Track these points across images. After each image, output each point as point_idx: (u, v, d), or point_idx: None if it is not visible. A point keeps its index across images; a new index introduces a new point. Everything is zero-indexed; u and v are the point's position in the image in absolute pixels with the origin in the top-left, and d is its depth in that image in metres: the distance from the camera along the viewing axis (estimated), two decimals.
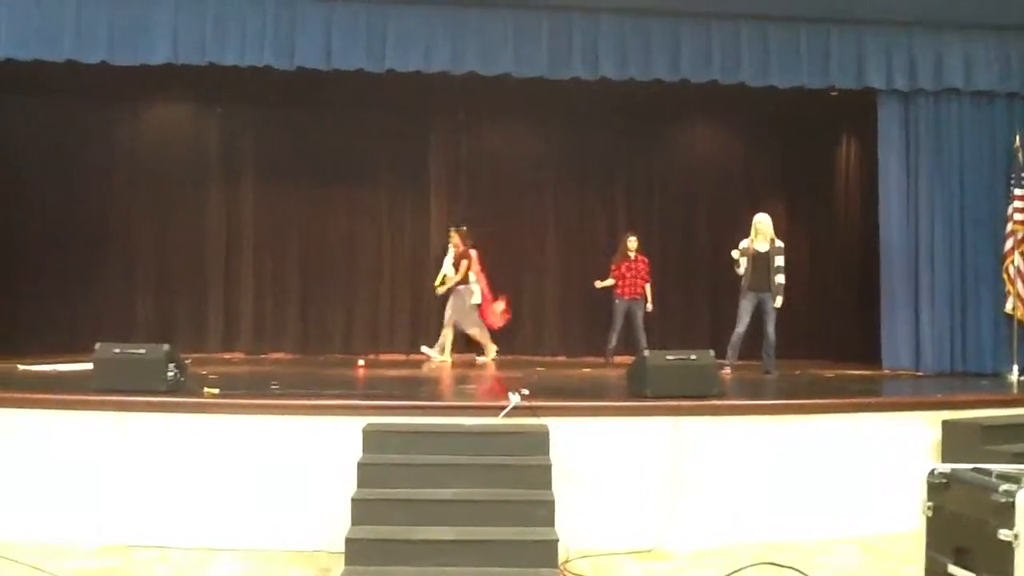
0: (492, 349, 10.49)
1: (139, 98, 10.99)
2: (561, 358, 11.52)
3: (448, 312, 10.29)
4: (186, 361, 8.30)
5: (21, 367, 8.58)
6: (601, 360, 10.52)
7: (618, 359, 10.14)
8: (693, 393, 6.32)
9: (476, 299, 10.35)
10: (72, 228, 10.91)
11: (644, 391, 6.39)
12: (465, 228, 10.42)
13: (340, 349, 11.49)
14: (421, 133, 11.60)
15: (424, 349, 10.61)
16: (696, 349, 6.65)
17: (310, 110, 10.98)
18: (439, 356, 10.24)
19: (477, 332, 10.43)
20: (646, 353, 6.60)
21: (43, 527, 5.94)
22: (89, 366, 7.37)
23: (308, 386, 7.38)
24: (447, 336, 10.32)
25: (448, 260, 10.50)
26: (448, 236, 10.59)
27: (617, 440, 6.09)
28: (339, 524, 5.28)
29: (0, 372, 8.35)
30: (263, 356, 11.28)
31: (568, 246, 11.83)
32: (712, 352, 6.66)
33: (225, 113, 11.46)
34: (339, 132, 11.27)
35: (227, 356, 11.11)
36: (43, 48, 8.25)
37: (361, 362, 9.68)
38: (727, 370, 8.47)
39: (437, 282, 10.50)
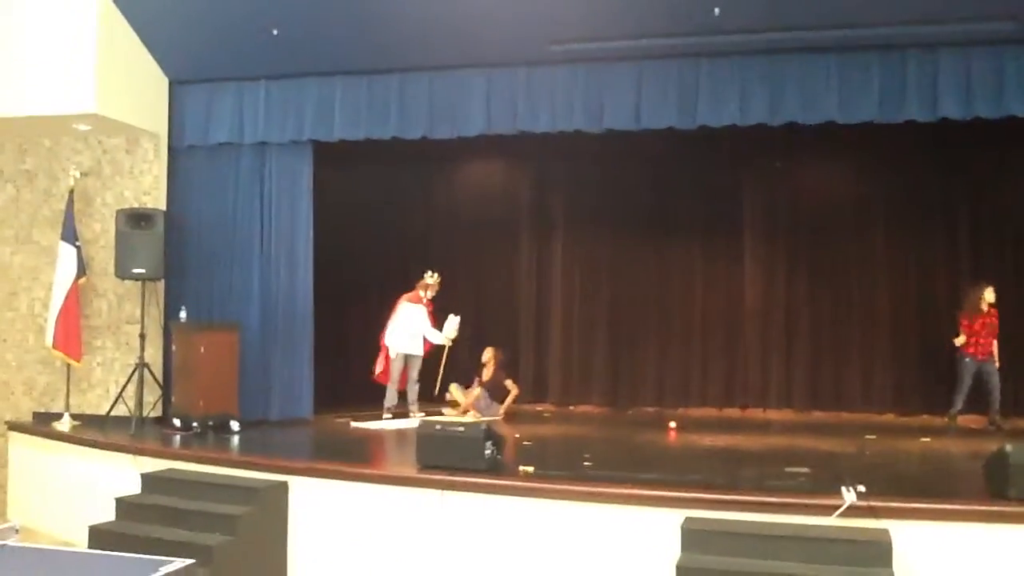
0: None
1: (455, 159, 11.45)
2: (890, 416, 10.51)
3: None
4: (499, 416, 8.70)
5: (353, 424, 9.17)
6: (939, 422, 9.48)
7: (962, 420, 9.14)
8: None
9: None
10: (394, 283, 11.58)
11: (1006, 492, 5.50)
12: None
13: (650, 403, 11.25)
14: (733, 181, 11.11)
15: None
16: None
17: (618, 163, 10.87)
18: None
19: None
20: (1008, 448, 5.68)
21: None
22: (413, 423, 7.98)
23: (621, 461, 7.19)
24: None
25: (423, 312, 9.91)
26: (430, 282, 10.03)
27: (975, 551, 5.28)
28: None
29: (334, 428, 9.02)
30: (571, 408, 11.32)
31: (900, 294, 10.76)
32: None
33: (536, 169, 11.67)
34: (649, 183, 11.11)
35: (538, 408, 11.26)
36: (371, 128, 8.86)
37: (672, 424, 9.33)
38: None
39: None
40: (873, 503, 5.47)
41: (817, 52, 7.98)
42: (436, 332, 9.89)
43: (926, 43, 7.79)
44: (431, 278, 10.02)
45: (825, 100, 7.99)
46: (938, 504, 5.53)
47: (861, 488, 5.58)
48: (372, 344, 10.15)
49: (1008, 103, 7.72)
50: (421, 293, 9.95)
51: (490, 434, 6.50)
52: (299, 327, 9.20)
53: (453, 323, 9.91)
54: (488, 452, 6.42)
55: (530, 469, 6.42)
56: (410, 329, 9.81)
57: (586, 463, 6.94)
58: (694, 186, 11.05)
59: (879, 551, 5.17)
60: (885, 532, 5.27)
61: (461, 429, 6.63)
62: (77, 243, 8.82)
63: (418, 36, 8.28)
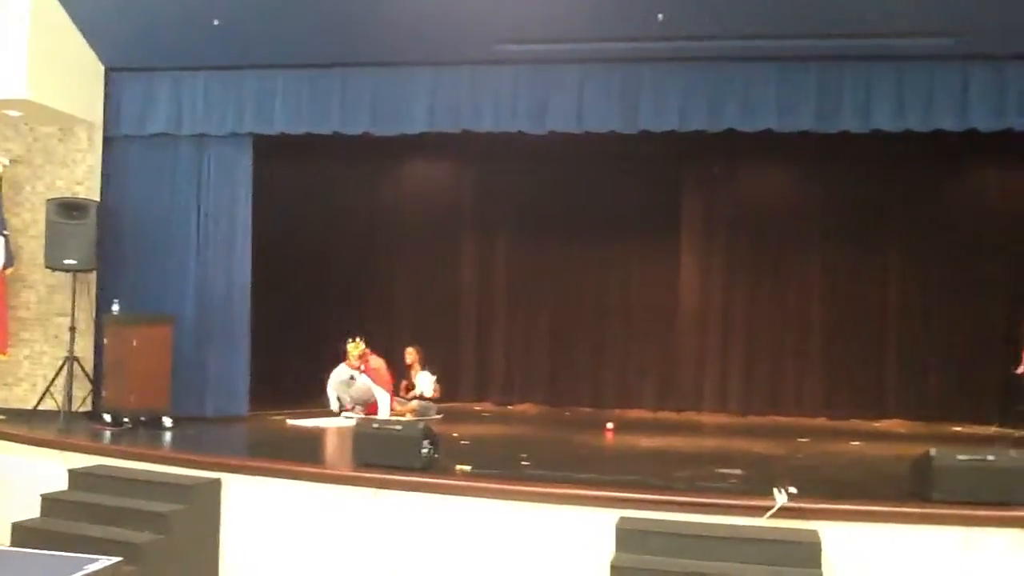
0: None
1: (399, 156, 11.37)
2: (822, 420, 10.72)
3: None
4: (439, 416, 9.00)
5: (289, 422, 9.06)
6: (867, 426, 9.89)
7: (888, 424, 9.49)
8: (989, 500, 5.51)
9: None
10: (334, 280, 11.51)
11: (930, 494, 5.66)
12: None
13: (588, 403, 11.31)
14: (673, 184, 11.23)
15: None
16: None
17: (560, 163, 10.90)
18: None
19: None
20: (932, 451, 5.84)
21: None
22: (349, 422, 8.13)
23: (558, 460, 7.21)
24: None
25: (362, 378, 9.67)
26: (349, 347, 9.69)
27: (900, 552, 5.42)
28: None
29: (269, 426, 8.90)
30: (511, 408, 11.33)
31: (834, 300, 10.98)
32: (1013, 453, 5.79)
33: (478, 168, 11.65)
34: (590, 184, 11.15)
35: (477, 407, 11.25)
36: (312, 123, 8.78)
37: (610, 425, 9.38)
38: None
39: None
40: (803, 505, 5.58)
41: (757, 61, 8.12)
42: (382, 392, 9.60)
43: (862, 56, 7.97)
44: (350, 344, 9.71)
45: (763, 108, 8.13)
46: (865, 506, 5.67)
47: (792, 490, 5.68)
48: (311, 341, 10.05)
49: (938, 117, 7.96)
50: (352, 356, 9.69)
51: (428, 433, 6.48)
52: (236, 322, 9.05)
53: (427, 381, 9.92)
54: (425, 451, 6.40)
55: (467, 468, 6.41)
56: (350, 392, 9.66)
57: (523, 463, 6.96)
58: (634, 188, 11.11)
59: (808, 552, 5.27)
60: (814, 533, 5.37)
61: (399, 428, 6.61)
62: (5, 232, 8.57)
63: (362, 32, 8.21)
